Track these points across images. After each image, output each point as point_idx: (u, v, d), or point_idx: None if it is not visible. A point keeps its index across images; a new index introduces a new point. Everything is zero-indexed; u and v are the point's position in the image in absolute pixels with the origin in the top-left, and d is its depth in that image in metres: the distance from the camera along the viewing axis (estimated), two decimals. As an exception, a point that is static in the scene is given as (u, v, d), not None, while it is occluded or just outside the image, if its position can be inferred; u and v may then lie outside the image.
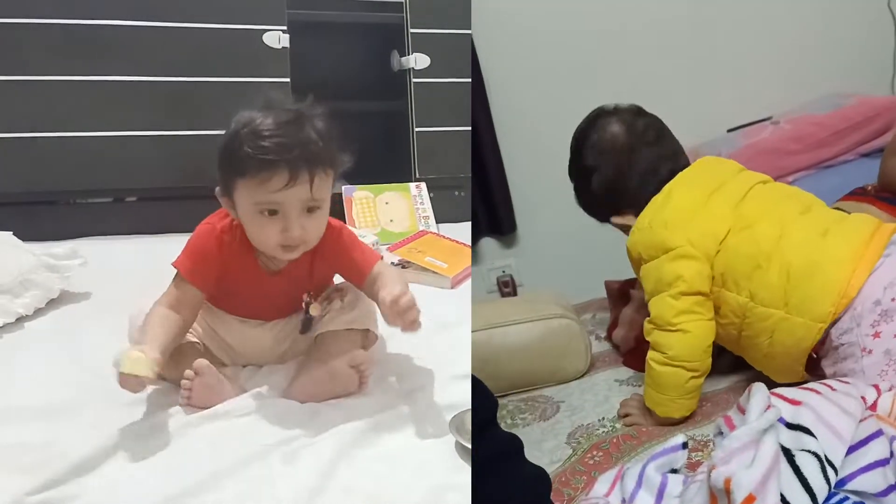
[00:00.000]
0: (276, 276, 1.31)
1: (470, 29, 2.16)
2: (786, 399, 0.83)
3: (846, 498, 0.74)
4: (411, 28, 2.65)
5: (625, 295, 1.56)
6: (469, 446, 1.04)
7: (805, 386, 0.89)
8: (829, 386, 0.87)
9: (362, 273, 1.31)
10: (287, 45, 2.48)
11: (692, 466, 0.96)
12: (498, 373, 1.42)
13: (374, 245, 2.22)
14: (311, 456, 1.07)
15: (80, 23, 2.28)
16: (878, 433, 0.80)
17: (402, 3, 2.66)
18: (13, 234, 1.80)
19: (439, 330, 1.49)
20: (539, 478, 0.97)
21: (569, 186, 1.41)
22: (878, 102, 2.10)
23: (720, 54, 2.31)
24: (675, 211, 1.23)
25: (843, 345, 1.08)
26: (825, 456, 0.75)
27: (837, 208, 1.41)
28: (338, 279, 1.42)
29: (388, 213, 2.49)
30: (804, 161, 2.08)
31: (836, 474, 0.75)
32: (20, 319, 1.61)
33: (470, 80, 2.22)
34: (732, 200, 1.22)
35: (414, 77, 2.65)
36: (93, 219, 2.36)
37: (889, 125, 2.08)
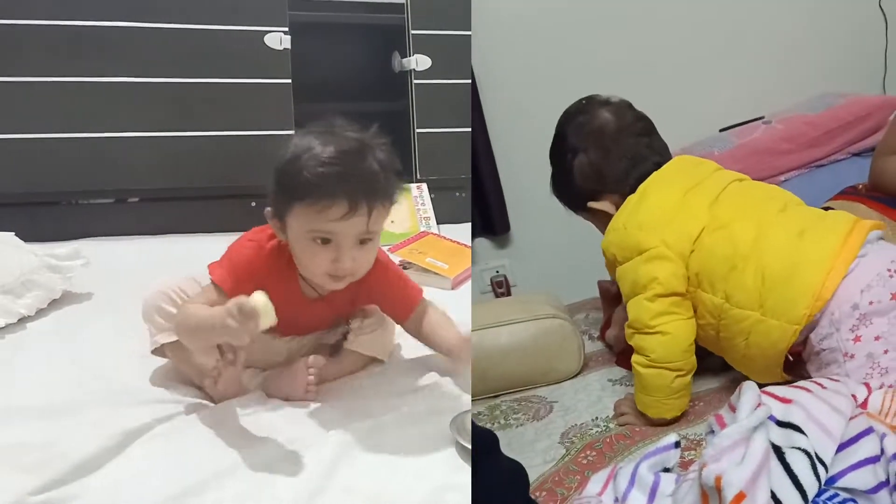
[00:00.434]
0: (317, 302, 1.29)
1: (471, 30, 2.17)
2: (776, 397, 0.84)
3: (836, 495, 0.75)
4: (412, 29, 2.66)
5: (618, 295, 1.56)
6: (469, 446, 1.05)
7: (796, 384, 0.89)
8: (819, 384, 0.88)
9: (407, 312, 1.34)
10: (288, 46, 2.49)
11: (685, 465, 0.96)
12: (491, 373, 1.42)
13: None
14: (311, 456, 1.08)
15: (82, 24, 2.29)
16: (869, 430, 0.80)
17: (403, 4, 2.68)
18: (15, 234, 1.81)
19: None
20: (515, 473, 0.97)
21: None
22: (869, 102, 2.11)
23: (713, 54, 2.32)
24: (649, 212, 1.23)
25: (824, 350, 1.08)
26: (815, 453, 0.76)
27: (827, 207, 1.42)
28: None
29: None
30: (796, 160, 2.08)
31: (827, 471, 0.75)
32: (22, 320, 1.62)
33: (470, 81, 2.23)
34: (707, 199, 1.22)
35: (415, 78, 2.66)
36: (95, 219, 2.37)
37: (880, 125, 2.08)
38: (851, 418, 0.80)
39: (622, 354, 1.46)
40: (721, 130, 2.23)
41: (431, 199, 2.57)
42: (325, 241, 1.15)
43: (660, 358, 1.18)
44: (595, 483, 0.94)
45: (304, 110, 2.54)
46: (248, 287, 1.17)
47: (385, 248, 2.16)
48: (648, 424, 1.22)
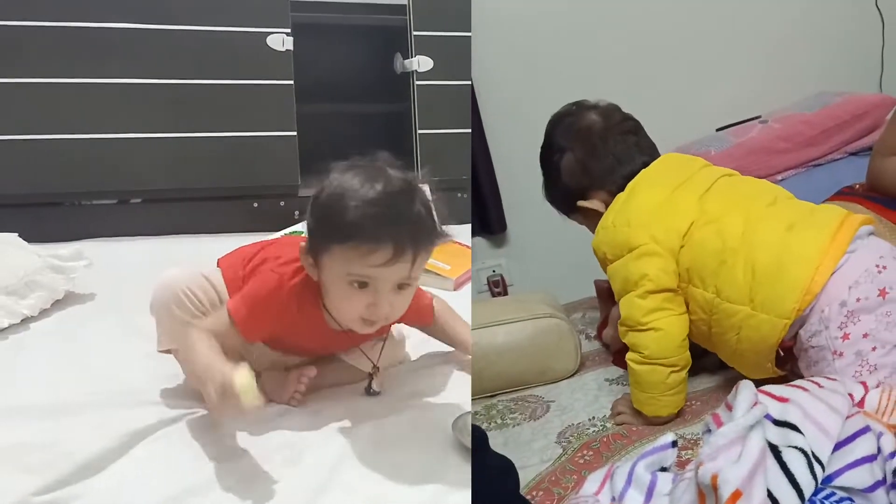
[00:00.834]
0: (341, 333, 1.23)
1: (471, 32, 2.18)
2: (773, 396, 0.83)
3: (833, 493, 0.74)
4: (414, 31, 2.66)
5: (614, 295, 1.56)
6: (469, 446, 1.05)
7: (793, 383, 0.89)
8: (816, 383, 0.87)
9: (430, 315, 1.36)
10: (291, 47, 2.49)
11: (682, 465, 0.96)
12: (488, 373, 1.42)
13: None
14: (314, 457, 1.08)
15: (85, 25, 2.30)
16: (866, 429, 0.80)
17: (405, 6, 2.68)
18: (19, 235, 1.82)
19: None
20: (505, 470, 0.97)
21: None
22: (866, 101, 2.11)
23: (710, 54, 2.33)
24: (638, 209, 1.23)
25: (813, 348, 1.08)
26: (812, 452, 0.75)
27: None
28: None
29: None
30: (793, 160, 2.08)
31: (824, 470, 0.75)
32: (25, 320, 1.62)
33: (470, 82, 2.23)
34: (696, 194, 1.22)
35: (417, 79, 2.66)
36: (98, 220, 2.38)
37: (877, 123, 2.09)
38: (848, 417, 0.80)
39: (619, 354, 1.45)
40: (718, 130, 2.23)
41: (433, 200, 2.56)
42: (363, 286, 1.09)
43: (653, 354, 1.18)
44: (592, 482, 0.94)
45: (307, 111, 2.54)
46: (262, 320, 1.16)
47: None
48: (645, 423, 1.21)
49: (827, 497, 0.74)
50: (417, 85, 2.66)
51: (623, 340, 1.24)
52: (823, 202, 1.53)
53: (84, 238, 2.23)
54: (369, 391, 1.29)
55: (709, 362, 1.33)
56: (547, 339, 1.44)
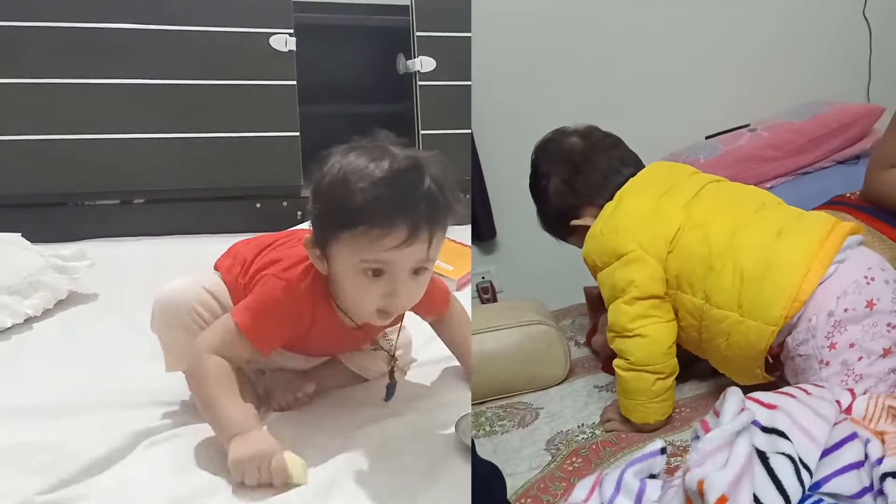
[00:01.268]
0: (356, 330, 1.18)
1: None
2: (761, 403, 0.84)
3: (820, 500, 0.74)
4: (417, 31, 2.67)
5: (604, 301, 1.56)
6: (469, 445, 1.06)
7: (781, 391, 0.89)
8: (804, 390, 0.88)
9: (443, 309, 1.30)
10: (294, 48, 2.50)
11: (671, 471, 0.96)
12: (477, 379, 1.42)
13: None
14: (317, 458, 1.07)
15: (89, 26, 2.30)
16: (853, 436, 0.80)
17: (407, 6, 2.68)
18: (22, 235, 1.83)
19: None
20: (492, 476, 0.97)
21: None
22: (854, 110, 2.12)
23: (699, 63, 2.34)
24: (625, 216, 1.23)
25: (800, 356, 1.08)
26: (800, 458, 0.76)
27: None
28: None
29: None
30: (782, 168, 2.10)
31: (812, 476, 0.75)
32: (28, 320, 1.62)
33: (470, 83, 2.23)
34: (683, 200, 1.22)
35: (419, 80, 2.67)
36: (101, 220, 2.38)
37: (865, 132, 2.10)
38: (835, 424, 0.81)
39: (608, 360, 1.45)
40: (707, 138, 2.24)
41: None
42: (377, 273, 1.02)
43: (639, 361, 1.18)
44: (581, 490, 0.94)
45: (309, 112, 2.55)
46: (275, 331, 1.10)
47: None
48: (634, 430, 1.21)
49: (814, 503, 0.74)
50: (420, 85, 2.67)
51: (611, 346, 1.24)
52: (813, 210, 1.54)
53: (87, 238, 2.23)
54: (391, 386, 1.25)
55: (699, 369, 1.33)
56: (536, 346, 1.44)
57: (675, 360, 1.20)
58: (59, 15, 2.27)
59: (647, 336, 1.18)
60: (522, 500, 1.08)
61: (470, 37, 2.10)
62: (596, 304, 1.60)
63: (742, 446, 0.74)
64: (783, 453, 0.76)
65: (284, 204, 2.52)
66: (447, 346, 1.37)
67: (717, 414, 0.81)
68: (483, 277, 2.40)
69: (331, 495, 1.00)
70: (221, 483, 1.02)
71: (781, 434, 0.78)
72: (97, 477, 1.04)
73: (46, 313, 1.67)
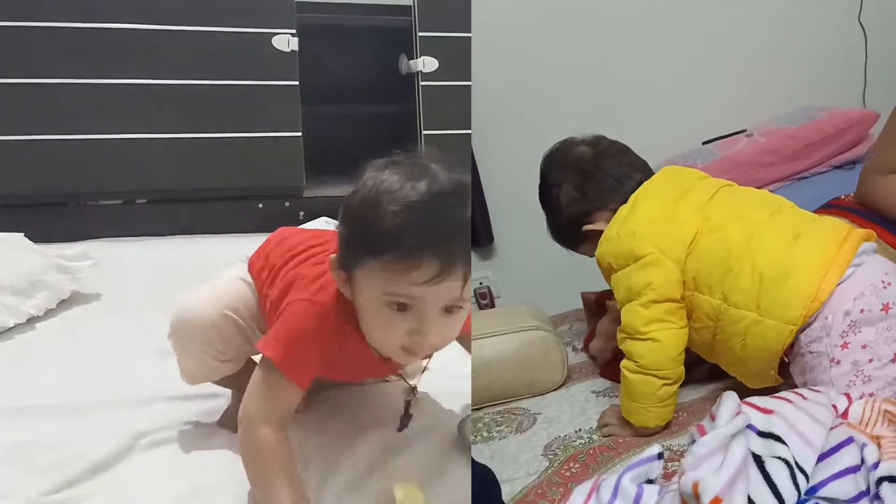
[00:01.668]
0: (384, 361, 1.07)
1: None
2: (757, 408, 0.84)
3: (817, 504, 0.75)
4: (419, 31, 2.68)
5: (601, 306, 1.57)
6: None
7: (777, 395, 0.89)
8: (800, 395, 0.88)
9: (468, 325, 1.14)
10: (296, 48, 2.51)
11: (668, 476, 0.96)
12: (474, 385, 1.41)
13: None
14: (320, 458, 1.08)
15: (92, 26, 2.32)
16: (849, 440, 0.80)
17: (410, 7, 2.70)
18: (25, 235, 1.84)
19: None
20: (486, 479, 0.97)
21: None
22: (849, 115, 2.13)
23: (696, 68, 2.35)
24: (641, 219, 1.23)
25: (811, 353, 1.09)
26: (796, 462, 0.76)
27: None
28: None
29: None
30: (779, 173, 2.11)
31: (808, 481, 0.76)
32: (31, 320, 1.64)
33: (470, 83, 2.24)
34: (698, 203, 1.23)
35: (422, 80, 2.68)
36: (104, 220, 2.40)
37: (861, 137, 2.11)
38: (832, 428, 0.81)
39: (606, 366, 1.46)
40: (704, 143, 2.25)
41: None
42: (403, 308, 0.91)
43: (648, 364, 1.18)
44: (578, 495, 0.93)
45: (312, 112, 2.55)
46: (309, 362, 0.99)
47: None
48: (632, 434, 1.21)
49: (810, 507, 0.75)
50: (422, 86, 2.68)
51: (620, 346, 1.24)
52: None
53: (90, 238, 2.25)
54: (405, 420, 1.18)
55: (697, 374, 1.33)
56: (533, 352, 1.44)
57: (682, 367, 1.21)
58: (63, 15, 2.29)
59: (660, 341, 1.18)
60: (520, 506, 1.08)
61: (470, 37, 2.11)
62: (593, 309, 1.61)
63: (737, 449, 0.74)
64: (779, 457, 0.76)
65: (287, 204, 2.53)
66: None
67: (713, 418, 0.81)
68: (481, 283, 2.40)
69: (334, 494, 1.01)
70: (225, 483, 1.02)
71: (777, 438, 0.78)
72: (101, 477, 1.04)
73: (49, 313, 1.68)
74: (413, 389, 1.21)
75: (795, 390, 0.93)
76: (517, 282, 2.36)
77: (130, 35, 2.34)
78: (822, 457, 0.78)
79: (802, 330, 1.10)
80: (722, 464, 0.73)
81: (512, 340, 1.44)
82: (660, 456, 0.90)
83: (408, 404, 1.20)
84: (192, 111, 2.43)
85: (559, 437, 1.26)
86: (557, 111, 2.13)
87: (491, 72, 2.24)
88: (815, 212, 1.52)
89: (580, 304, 1.67)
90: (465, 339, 1.15)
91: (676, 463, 1.08)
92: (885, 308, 1.06)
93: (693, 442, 0.82)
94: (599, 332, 1.51)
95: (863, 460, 0.79)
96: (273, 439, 0.95)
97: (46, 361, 1.46)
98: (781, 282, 1.10)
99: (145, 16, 2.36)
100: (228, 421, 1.17)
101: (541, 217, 1.44)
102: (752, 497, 0.72)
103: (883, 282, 1.08)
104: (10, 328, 1.58)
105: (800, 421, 0.81)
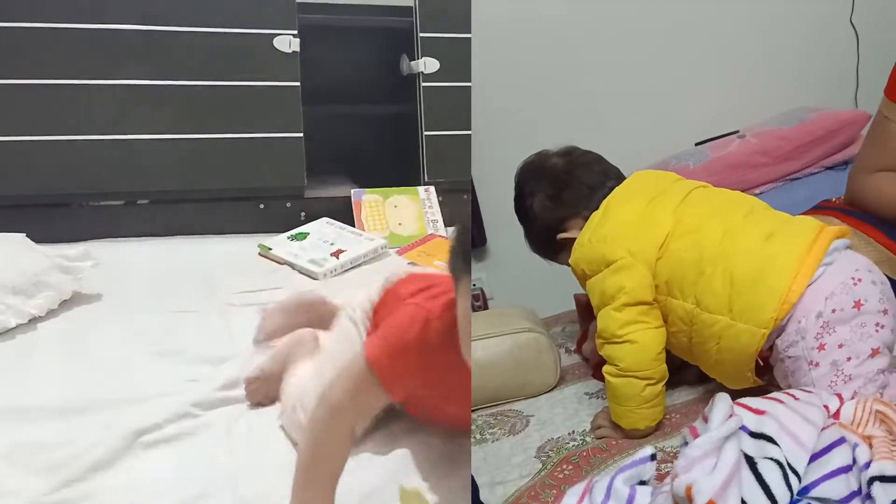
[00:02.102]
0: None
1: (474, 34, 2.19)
2: (750, 409, 0.84)
3: (809, 504, 0.75)
4: (421, 32, 2.67)
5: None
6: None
7: (769, 396, 0.89)
8: (792, 395, 0.88)
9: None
10: (297, 49, 2.50)
11: (661, 478, 0.96)
12: (467, 387, 1.41)
13: (381, 248, 2.24)
14: None
15: (92, 27, 2.30)
16: (841, 441, 0.80)
17: (411, 7, 2.69)
18: (26, 235, 1.84)
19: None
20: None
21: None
22: (841, 116, 2.13)
23: (689, 70, 2.35)
24: (613, 224, 1.24)
25: (790, 357, 1.09)
26: (788, 463, 0.76)
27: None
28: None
29: (396, 216, 2.51)
30: (771, 174, 2.11)
31: (800, 481, 0.76)
32: (33, 320, 1.64)
33: (470, 84, 2.23)
34: (671, 206, 1.23)
35: (423, 81, 2.67)
36: (105, 221, 2.38)
37: (852, 139, 2.11)
38: (823, 429, 0.81)
39: (599, 367, 1.45)
40: (697, 144, 2.25)
41: (439, 201, 2.59)
42: None
43: (629, 367, 1.18)
44: (570, 497, 0.93)
45: (313, 113, 2.55)
46: (406, 370, 0.96)
47: (392, 251, 2.20)
48: (625, 437, 1.21)
49: (803, 508, 0.74)
50: (424, 86, 2.67)
51: (600, 353, 1.24)
52: (801, 215, 1.54)
53: (91, 238, 2.25)
54: None
55: (689, 375, 1.33)
56: (526, 354, 1.44)
57: (665, 365, 1.21)
58: (65, 16, 2.27)
59: (637, 342, 1.18)
60: (513, 509, 1.07)
61: (471, 38, 2.11)
62: (586, 311, 1.60)
63: (730, 451, 0.74)
64: (771, 458, 0.76)
65: (288, 205, 2.53)
66: None
67: (705, 419, 0.81)
68: (474, 285, 2.39)
69: (338, 494, 1.00)
70: (226, 482, 1.02)
71: (769, 439, 0.78)
72: (103, 477, 1.05)
73: (51, 313, 1.68)
74: None
75: (787, 391, 0.93)
76: (510, 284, 2.36)
77: (131, 36, 2.33)
78: (813, 457, 0.78)
79: (778, 335, 1.10)
80: (715, 466, 0.73)
81: (504, 342, 1.44)
82: (652, 457, 0.90)
83: None
84: (193, 112, 2.42)
85: (552, 438, 1.26)
86: (550, 114, 2.14)
87: (485, 74, 2.24)
88: (806, 213, 1.52)
89: (573, 306, 1.67)
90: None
91: (669, 464, 1.07)
92: (857, 305, 1.06)
93: (685, 444, 0.82)
94: (592, 333, 1.51)
95: (854, 460, 0.79)
96: (340, 444, 0.93)
97: (48, 361, 1.46)
98: (753, 285, 1.10)
99: (147, 17, 2.35)
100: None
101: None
102: (744, 498, 0.72)
103: (853, 278, 1.08)
104: (12, 328, 1.58)
105: (791, 421, 0.81)
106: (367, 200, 2.52)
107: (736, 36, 2.35)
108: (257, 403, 1.30)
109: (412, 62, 2.70)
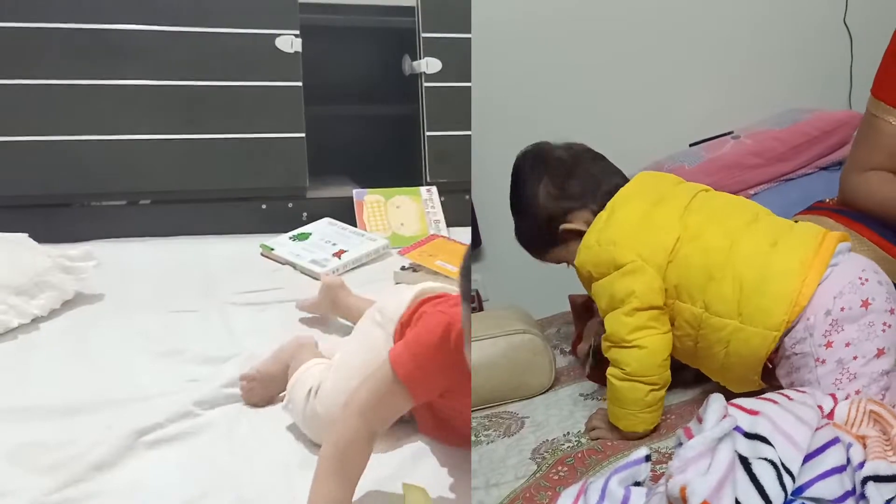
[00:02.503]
0: None
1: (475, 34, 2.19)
2: (744, 409, 0.84)
3: (803, 504, 0.75)
4: (423, 32, 2.67)
5: (589, 309, 1.56)
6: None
7: (763, 396, 0.90)
8: (786, 396, 0.88)
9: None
10: (299, 49, 2.50)
11: (656, 479, 0.96)
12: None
13: (383, 249, 2.25)
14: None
15: (95, 27, 2.30)
16: (835, 441, 0.80)
17: (413, 7, 2.69)
18: (28, 235, 1.85)
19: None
20: None
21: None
22: (835, 117, 2.14)
23: (682, 71, 2.35)
24: (620, 227, 1.23)
25: (796, 354, 1.09)
26: (782, 463, 0.76)
27: (795, 221, 1.43)
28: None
29: (398, 216, 2.51)
30: (765, 175, 2.11)
31: (794, 481, 0.76)
32: (35, 320, 1.64)
33: (471, 84, 2.23)
34: (677, 210, 1.23)
35: (425, 81, 2.67)
36: (107, 221, 2.38)
37: (846, 139, 2.12)
38: (817, 429, 0.81)
39: (593, 369, 1.45)
40: (691, 145, 2.25)
41: (441, 201, 2.59)
42: None
43: (635, 371, 1.18)
44: (566, 498, 0.93)
45: (315, 113, 2.55)
46: (433, 377, 1.01)
47: (395, 252, 2.20)
48: (620, 438, 1.21)
49: (797, 508, 0.75)
50: (426, 87, 2.67)
51: (605, 355, 1.24)
52: (795, 216, 1.55)
53: (93, 239, 2.24)
54: None
55: (685, 376, 1.33)
56: (521, 355, 1.44)
57: (669, 371, 1.20)
58: (66, 16, 2.27)
59: (646, 347, 1.18)
60: (508, 510, 1.08)
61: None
62: (581, 312, 1.60)
63: (724, 452, 0.74)
64: (765, 458, 0.76)
65: (290, 205, 2.53)
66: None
67: (700, 420, 0.81)
68: (469, 286, 2.39)
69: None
70: (228, 482, 1.02)
71: (763, 439, 0.79)
72: (104, 476, 1.06)
73: (53, 313, 1.69)
74: None
75: (781, 391, 0.93)
76: (505, 285, 2.35)
77: (133, 36, 2.33)
78: (808, 457, 0.78)
79: (786, 333, 1.10)
80: (709, 467, 0.73)
81: (499, 344, 1.44)
82: (647, 458, 0.90)
83: None
84: (195, 112, 2.42)
85: (547, 440, 1.26)
86: (545, 114, 2.13)
87: (482, 75, 2.24)
88: (800, 214, 1.53)
89: (568, 307, 1.67)
90: None
91: (664, 465, 1.08)
92: (865, 304, 1.07)
93: (680, 445, 0.82)
94: (587, 334, 1.51)
95: (848, 460, 0.79)
96: (362, 445, 0.98)
97: (50, 361, 1.47)
98: (762, 288, 1.11)
99: (148, 17, 2.35)
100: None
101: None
102: (738, 498, 0.72)
103: (860, 278, 1.09)
104: (15, 328, 1.59)
105: (785, 422, 0.81)
106: (369, 201, 2.52)
107: (729, 36, 2.35)
108: (252, 405, 1.30)
109: (414, 62, 2.70)
